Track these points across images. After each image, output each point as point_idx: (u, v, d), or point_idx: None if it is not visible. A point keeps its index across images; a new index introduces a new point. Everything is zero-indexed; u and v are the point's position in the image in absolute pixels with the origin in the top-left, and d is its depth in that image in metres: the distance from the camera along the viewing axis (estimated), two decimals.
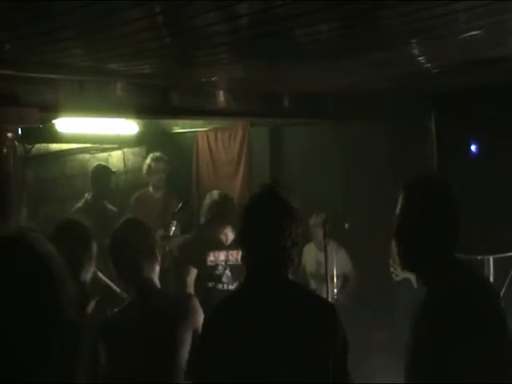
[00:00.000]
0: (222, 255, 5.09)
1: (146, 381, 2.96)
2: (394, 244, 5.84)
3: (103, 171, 6.30)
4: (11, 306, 1.30)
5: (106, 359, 3.08)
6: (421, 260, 2.42)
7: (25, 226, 1.43)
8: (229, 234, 5.03)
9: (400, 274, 5.63)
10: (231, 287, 5.00)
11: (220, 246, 5.06)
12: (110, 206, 6.21)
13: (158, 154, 6.53)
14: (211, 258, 5.08)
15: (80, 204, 6.11)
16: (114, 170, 6.54)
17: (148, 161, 6.47)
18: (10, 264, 1.33)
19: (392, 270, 5.70)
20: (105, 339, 3.13)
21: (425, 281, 2.42)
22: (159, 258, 3.25)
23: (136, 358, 2.99)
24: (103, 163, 6.58)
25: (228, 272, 5.06)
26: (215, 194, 5.20)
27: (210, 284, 5.05)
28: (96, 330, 3.16)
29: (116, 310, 3.29)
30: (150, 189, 6.50)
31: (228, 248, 5.05)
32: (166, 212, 5.78)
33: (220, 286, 5.05)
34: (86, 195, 6.16)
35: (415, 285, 5.49)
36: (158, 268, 3.24)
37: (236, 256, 4.99)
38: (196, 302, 3.13)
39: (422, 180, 2.59)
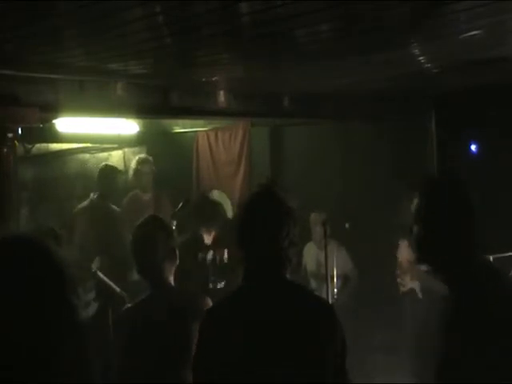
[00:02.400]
0: (209, 255, 5.13)
1: (160, 377, 2.98)
2: (400, 252, 5.80)
3: (111, 171, 6.28)
4: (25, 306, 1.30)
5: (120, 355, 3.10)
6: (447, 260, 2.44)
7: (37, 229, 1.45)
8: (206, 235, 5.09)
9: (407, 284, 5.64)
10: (219, 286, 5.04)
11: (204, 246, 5.11)
12: (113, 207, 6.21)
13: (143, 156, 6.53)
14: (198, 259, 5.14)
15: (85, 203, 6.09)
16: (120, 169, 6.51)
17: (134, 164, 6.46)
18: (24, 264, 1.33)
19: (399, 280, 5.70)
20: (118, 335, 3.15)
21: (452, 282, 2.42)
22: (178, 259, 3.28)
23: (149, 355, 3.01)
24: (110, 163, 6.56)
25: (216, 271, 5.10)
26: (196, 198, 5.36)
27: (199, 284, 5.08)
28: (109, 326, 3.18)
29: (129, 305, 3.30)
30: (139, 191, 6.48)
31: (213, 247, 5.09)
32: (158, 213, 5.80)
33: (210, 286, 5.09)
34: (92, 195, 6.15)
35: (420, 295, 5.50)
36: (174, 267, 3.27)
37: (222, 254, 5.06)
38: (208, 300, 3.14)
39: (439, 180, 2.62)
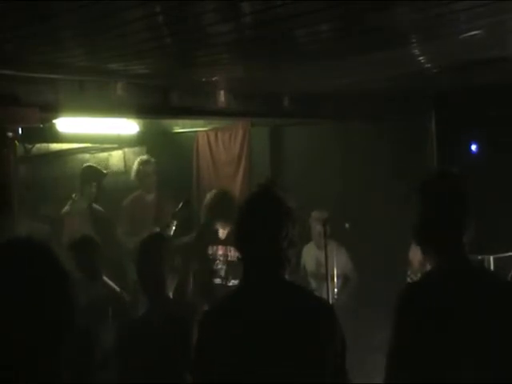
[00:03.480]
0: (220, 250, 5.12)
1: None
2: (412, 252, 5.79)
3: (93, 173, 6.26)
4: (25, 306, 1.31)
5: (122, 367, 3.12)
6: (446, 259, 2.45)
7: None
8: (225, 228, 5.09)
9: None
10: (229, 283, 5.03)
11: (217, 240, 5.10)
12: (97, 207, 6.20)
13: (145, 157, 6.52)
14: (209, 251, 5.12)
15: (67, 207, 6.11)
16: (105, 171, 6.45)
17: (136, 165, 6.44)
18: (24, 265, 1.34)
19: (408, 280, 5.68)
20: (121, 348, 3.17)
21: (451, 281, 2.43)
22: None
23: (152, 366, 3.02)
24: (94, 164, 6.53)
25: (226, 268, 5.09)
26: (213, 191, 5.33)
27: (209, 279, 5.08)
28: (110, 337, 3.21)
29: (131, 320, 3.33)
30: (142, 192, 6.47)
31: (226, 243, 5.08)
32: (161, 214, 5.79)
33: (218, 281, 5.08)
34: (73, 196, 6.14)
35: None
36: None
37: (235, 252, 5.06)
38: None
39: (435, 177, 2.63)
